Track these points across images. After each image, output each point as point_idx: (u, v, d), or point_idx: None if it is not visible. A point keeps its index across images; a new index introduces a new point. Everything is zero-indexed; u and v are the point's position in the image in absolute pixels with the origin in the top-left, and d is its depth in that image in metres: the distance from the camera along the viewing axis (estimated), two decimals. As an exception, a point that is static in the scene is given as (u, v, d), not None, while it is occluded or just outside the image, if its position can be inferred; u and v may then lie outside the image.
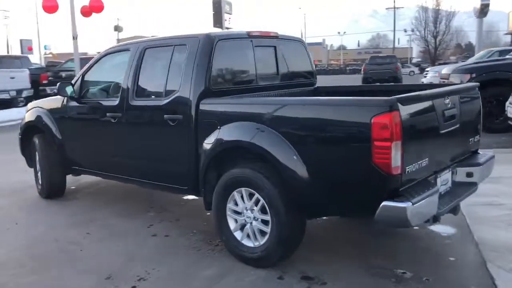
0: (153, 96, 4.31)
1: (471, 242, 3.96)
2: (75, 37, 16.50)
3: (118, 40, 61.85)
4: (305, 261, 3.67)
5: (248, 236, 3.66)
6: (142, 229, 4.54)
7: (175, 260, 3.83)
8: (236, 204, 3.68)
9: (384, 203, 2.92)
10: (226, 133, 3.66)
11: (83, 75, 5.07)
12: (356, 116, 3.04)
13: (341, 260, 3.71)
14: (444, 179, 3.55)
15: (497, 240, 3.95)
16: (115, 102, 4.56)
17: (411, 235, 4.17)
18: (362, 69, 27.09)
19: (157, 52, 4.37)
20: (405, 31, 61.62)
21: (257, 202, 3.54)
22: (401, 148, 2.90)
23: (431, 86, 4.54)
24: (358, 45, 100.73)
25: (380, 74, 23.84)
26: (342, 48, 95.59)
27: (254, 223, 3.60)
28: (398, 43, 72.00)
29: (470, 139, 3.89)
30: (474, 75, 9.11)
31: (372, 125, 2.89)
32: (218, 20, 33.17)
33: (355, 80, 30.15)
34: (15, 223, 4.87)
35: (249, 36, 4.31)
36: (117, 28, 66.89)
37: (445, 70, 10.20)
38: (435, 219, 3.37)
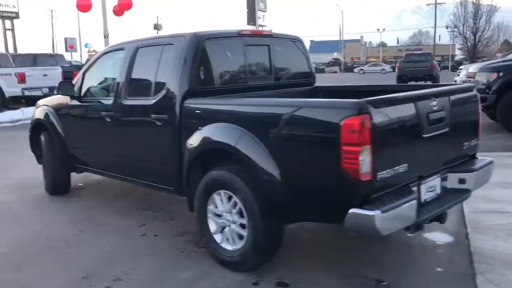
0: (143, 96, 4.30)
1: (465, 252, 3.75)
2: (106, 36, 16.93)
3: (157, 38, 62.86)
4: (285, 266, 3.58)
5: (227, 239, 3.59)
6: (134, 228, 4.55)
7: (156, 260, 3.80)
8: (216, 207, 3.62)
9: (352, 210, 2.79)
10: (205, 134, 3.61)
11: (83, 74, 5.13)
12: (325, 118, 2.92)
13: (323, 267, 3.59)
14: (431, 186, 3.37)
15: (493, 251, 3.73)
16: (110, 101, 4.60)
17: (403, 242, 3.99)
18: (396, 67, 26.43)
19: (148, 52, 4.36)
20: (447, 27, 59.73)
21: (235, 204, 3.47)
22: (371, 153, 2.76)
23: (430, 86, 4.31)
24: (398, 42, 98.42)
25: (415, 72, 23.18)
26: (382, 45, 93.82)
27: (232, 226, 3.53)
28: (439, 40, 69.98)
29: (465, 143, 3.68)
30: (501, 73, 8.68)
31: (340, 128, 2.77)
32: (252, 17, 33.19)
33: (389, 78, 29.51)
34: (15, 219, 4.98)
35: (240, 35, 4.23)
36: (157, 26, 67.99)
37: (471, 68, 9.75)
38: (418, 227, 3.21)
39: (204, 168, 3.73)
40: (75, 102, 5.12)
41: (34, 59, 17.44)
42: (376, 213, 2.72)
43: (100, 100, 4.80)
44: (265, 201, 3.24)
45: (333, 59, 73.44)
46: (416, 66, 23.56)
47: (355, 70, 62.41)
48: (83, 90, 5.08)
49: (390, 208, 2.78)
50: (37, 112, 5.82)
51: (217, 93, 3.98)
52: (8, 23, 31.77)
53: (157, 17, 68.03)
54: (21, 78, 15.71)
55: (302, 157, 3.06)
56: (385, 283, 3.28)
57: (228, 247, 3.57)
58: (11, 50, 28.19)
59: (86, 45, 56.00)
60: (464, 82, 12.39)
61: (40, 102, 5.99)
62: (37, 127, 5.82)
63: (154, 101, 4.08)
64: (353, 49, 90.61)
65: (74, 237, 4.41)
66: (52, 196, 5.75)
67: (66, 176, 5.69)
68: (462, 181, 3.55)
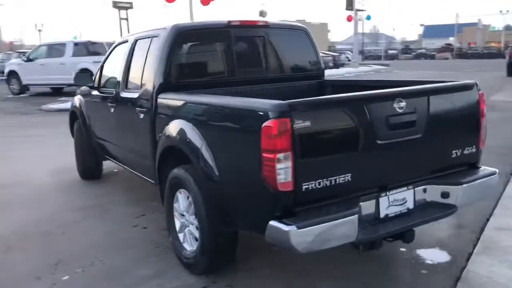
0: (134, 89, 4.31)
1: (452, 276, 3.25)
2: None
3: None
4: (247, 272, 3.40)
5: (187, 239, 3.49)
6: (130, 219, 4.62)
7: (128, 254, 3.82)
8: (179, 206, 3.53)
9: (271, 222, 2.52)
10: (167, 131, 3.51)
11: (102, 64, 5.29)
12: (250, 121, 2.65)
13: (287, 277, 3.34)
14: (397, 199, 2.94)
15: (488, 278, 3.19)
16: (113, 93, 4.69)
17: (390, 257, 3.58)
18: (507, 54, 23.81)
19: (141, 44, 4.34)
20: None
21: (191, 205, 3.35)
22: (293, 161, 2.46)
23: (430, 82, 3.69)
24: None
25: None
26: (507, 28, 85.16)
27: (190, 227, 3.41)
28: None
29: (455, 151, 3.15)
30: None
31: (260, 133, 2.50)
32: (349, 2, 32.21)
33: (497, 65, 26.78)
34: (36, 201, 5.33)
35: (228, 26, 4.03)
36: (262, 13, 68.64)
37: None
38: (371, 245, 2.83)
39: (176, 165, 3.65)
40: (95, 93, 5.31)
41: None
42: (291, 228, 2.42)
43: (109, 91, 4.91)
44: (209, 203, 3.07)
45: (445, 44, 68.40)
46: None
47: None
48: (102, 80, 5.24)
49: (312, 224, 2.46)
50: (73, 101, 6.14)
51: (196, 87, 3.85)
52: (123, 13, 34.45)
53: (262, 3, 68.59)
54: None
55: (232, 161, 2.84)
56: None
57: (188, 247, 3.47)
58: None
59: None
60: None
61: (78, 91, 6.31)
62: (72, 116, 6.14)
63: (138, 94, 4.08)
64: (470, 34, 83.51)
65: (74, 223, 4.59)
66: (82, 181, 6.07)
67: (95, 162, 5.94)
68: (445, 195, 3.05)
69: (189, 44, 3.86)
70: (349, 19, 31.89)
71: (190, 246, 3.43)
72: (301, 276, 3.35)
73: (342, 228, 2.55)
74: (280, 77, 4.29)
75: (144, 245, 3.99)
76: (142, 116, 3.98)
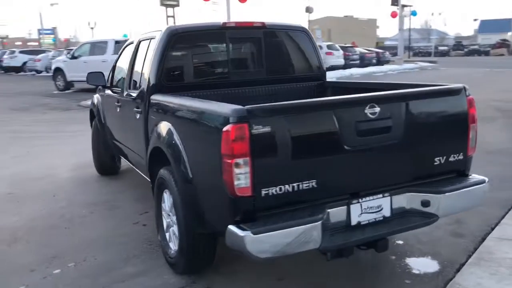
0: (134, 89, 4.41)
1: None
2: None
3: (309, 22, 63.08)
4: (228, 275, 3.41)
5: (172, 239, 3.55)
6: (134, 216, 4.74)
7: (121, 250, 3.93)
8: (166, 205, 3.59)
9: (229, 227, 2.53)
10: (155, 131, 3.57)
11: (115, 64, 5.44)
12: (213, 125, 2.66)
13: (268, 281, 3.33)
14: (372, 206, 2.86)
15: (472, 291, 3.05)
16: (119, 93, 4.82)
17: (376, 264, 3.50)
18: None
19: (142, 45, 4.43)
20: None
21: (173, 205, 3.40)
22: (251, 167, 2.45)
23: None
24: None
25: None
26: None
27: (174, 227, 3.47)
28: None
29: (438, 158, 3.02)
30: None
31: (221, 137, 2.51)
32: (395, -3, 31.35)
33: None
34: (53, 195, 5.57)
35: (223, 27, 4.05)
36: (308, 9, 68.02)
37: None
38: (340, 253, 2.78)
39: (163, 165, 3.72)
40: (108, 92, 5.47)
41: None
42: (246, 234, 2.42)
43: (117, 91, 5.05)
44: (185, 205, 3.11)
45: (501, 40, 65.30)
46: None
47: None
48: (115, 80, 5.39)
49: (269, 230, 2.44)
50: (93, 99, 6.35)
51: (190, 89, 3.90)
52: (170, 10, 35.36)
53: (309, -1, 67.92)
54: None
55: (202, 164, 2.87)
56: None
57: (172, 247, 3.53)
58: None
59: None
60: None
61: (98, 90, 6.51)
62: (91, 113, 6.36)
63: (135, 94, 4.17)
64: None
65: (80, 218, 4.77)
66: (100, 177, 6.28)
67: (110, 159, 6.12)
68: (425, 203, 2.95)
69: (183, 46, 3.91)
70: (393, 15, 31.07)
71: (174, 245, 3.49)
72: (283, 282, 3.33)
73: (302, 235, 2.52)
74: (278, 79, 4.26)
75: (139, 242, 4.08)
76: (138, 116, 4.07)
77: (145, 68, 4.07)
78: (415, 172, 3.00)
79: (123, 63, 5.02)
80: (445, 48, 66.02)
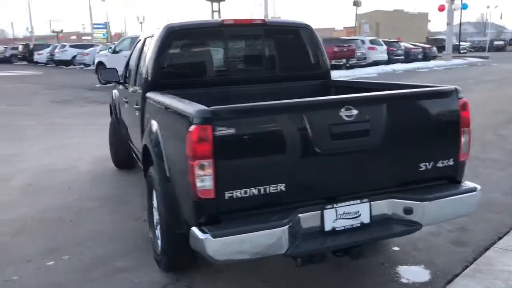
0: (136, 86, 4.46)
1: (421, 299, 3.00)
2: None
3: (357, 16, 61.92)
4: (211, 275, 3.41)
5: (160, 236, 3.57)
6: (139, 211, 4.80)
7: (118, 245, 4.01)
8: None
9: (192, 228, 2.51)
10: (146, 129, 3.60)
11: (128, 60, 5.53)
12: (182, 126, 2.63)
13: (250, 283, 3.30)
14: (349, 212, 2.75)
15: (458, 305, 2.90)
16: (125, 89, 4.90)
17: (365, 271, 3.39)
18: None
19: (147, 42, 4.46)
20: None
21: (160, 203, 3.42)
22: (214, 169, 2.42)
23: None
24: None
25: None
26: None
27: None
28: None
29: (423, 164, 2.87)
30: None
31: (186, 138, 2.49)
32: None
33: None
34: (68, 188, 5.74)
35: (222, 25, 4.01)
36: (356, 3, 66.75)
37: None
38: (310, 259, 2.70)
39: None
40: (121, 87, 5.57)
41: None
42: (206, 236, 2.39)
43: (126, 87, 5.13)
44: (165, 203, 3.12)
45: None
46: None
47: None
48: (126, 76, 5.48)
49: (230, 233, 2.41)
50: (112, 94, 6.49)
51: (187, 87, 3.90)
52: (215, 5, 35.74)
53: (357, -7, 66.58)
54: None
55: (175, 164, 2.86)
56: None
57: (160, 243, 3.55)
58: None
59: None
60: None
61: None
62: (110, 109, 6.50)
63: (136, 91, 4.22)
64: None
65: (87, 211, 4.89)
66: (117, 171, 6.42)
67: (126, 153, 6.22)
68: (408, 211, 2.81)
69: (180, 43, 3.91)
70: (440, 8, 29.92)
71: (161, 243, 3.51)
72: (266, 284, 3.29)
73: (266, 239, 2.47)
74: (278, 77, 4.20)
75: (135, 238, 4.14)
76: (137, 113, 4.12)
77: (144, 65, 4.11)
78: (398, 178, 2.87)
79: (132, 59, 5.09)
80: (501, 42, 63.02)
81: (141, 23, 63.79)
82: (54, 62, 34.79)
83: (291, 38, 4.28)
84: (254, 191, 2.51)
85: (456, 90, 2.93)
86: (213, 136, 2.40)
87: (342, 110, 2.62)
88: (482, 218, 4.26)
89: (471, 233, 3.95)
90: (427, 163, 2.88)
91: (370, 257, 3.56)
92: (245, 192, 2.50)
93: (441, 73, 23.00)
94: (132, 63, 4.94)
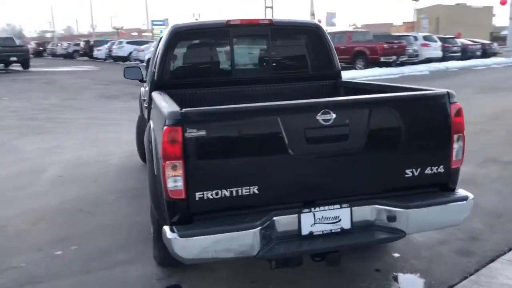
0: (148, 84, 4.57)
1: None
2: (312, 14, 17.43)
3: (416, 11, 59.98)
4: (203, 272, 3.44)
5: (158, 231, 3.67)
6: (143, 209, 4.93)
7: (123, 237, 4.16)
8: (156, 199, 3.71)
9: (163, 227, 2.57)
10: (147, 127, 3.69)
11: (148, 59, 5.68)
12: (161, 125, 2.68)
13: (240, 283, 3.33)
14: (328, 216, 2.70)
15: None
16: (143, 87, 5.04)
17: (357, 276, 3.32)
18: None
19: (160, 42, 4.57)
20: None
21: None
22: (184, 170, 2.46)
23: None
24: None
25: None
26: None
27: (159, 220, 3.58)
28: None
29: (409, 170, 2.77)
30: None
31: (161, 139, 2.55)
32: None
33: None
34: (93, 180, 5.99)
35: (228, 25, 4.03)
36: (414, -2, 64.61)
37: None
38: (285, 262, 2.68)
39: None
40: (144, 85, 5.73)
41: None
42: (173, 236, 2.44)
43: (145, 86, 5.27)
44: (153, 200, 3.19)
45: None
46: None
47: None
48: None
49: (198, 234, 2.44)
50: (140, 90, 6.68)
51: (192, 86, 3.97)
52: (268, 1, 35.81)
53: (417, -12, 64.38)
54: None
55: (158, 162, 2.91)
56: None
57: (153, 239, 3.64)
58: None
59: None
60: None
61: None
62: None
63: (147, 90, 4.34)
64: None
65: (105, 204, 5.08)
66: (144, 165, 6.54)
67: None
68: (391, 218, 2.73)
69: (185, 44, 3.98)
70: (502, 2, 28.37)
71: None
72: (255, 284, 3.30)
73: (235, 241, 2.48)
74: (285, 78, 4.17)
75: (141, 231, 4.26)
76: (146, 111, 4.24)
77: (153, 65, 4.21)
78: (382, 184, 2.79)
79: (151, 59, 5.21)
80: None
81: (196, 19, 64.94)
82: (112, 58, 36.15)
83: (299, 38, 4.24)
84: (226, 193, 2.53)
85: (448, 95, 2.80)
86: (183, 137, 2.43)
87: (319, 114, 2.58)
88: (501, 229, 4.07)
89: (481, 242, 3.77)
90: (413, 170, 2.77)
91: (366, 263, 3.50)
92: (217, 194, 2.52)
93: (498, 71, 21.85)
94: (150, 62, 5.07)
